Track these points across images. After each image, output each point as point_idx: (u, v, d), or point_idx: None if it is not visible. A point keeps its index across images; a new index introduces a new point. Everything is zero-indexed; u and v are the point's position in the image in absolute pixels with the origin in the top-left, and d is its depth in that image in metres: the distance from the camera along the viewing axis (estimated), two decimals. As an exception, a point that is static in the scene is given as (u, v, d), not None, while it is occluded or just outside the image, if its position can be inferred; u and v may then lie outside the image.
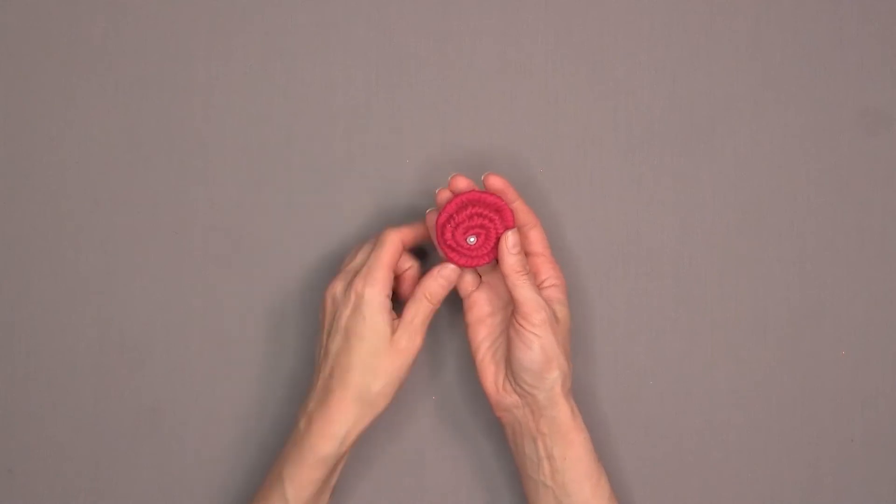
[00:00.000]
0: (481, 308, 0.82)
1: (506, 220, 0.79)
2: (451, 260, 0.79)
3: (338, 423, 0.78)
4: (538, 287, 0.80)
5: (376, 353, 0.77)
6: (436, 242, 0.79)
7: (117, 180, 0.88)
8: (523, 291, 0.77)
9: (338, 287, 0.79)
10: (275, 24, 0.88)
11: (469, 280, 0.82)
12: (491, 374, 0.81)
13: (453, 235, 0.78)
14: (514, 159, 0.87)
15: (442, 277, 0.79)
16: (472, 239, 0.79)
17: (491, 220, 0.79)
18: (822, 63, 0.88)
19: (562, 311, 0.80)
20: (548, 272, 0.81)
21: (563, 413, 0.78)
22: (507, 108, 0.87)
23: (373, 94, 0.87)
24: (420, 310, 0.78)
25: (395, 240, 0.78)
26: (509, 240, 0.78)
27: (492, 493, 0.87)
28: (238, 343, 0.87)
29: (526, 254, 0.81)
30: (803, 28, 0.88)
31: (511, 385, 0.79)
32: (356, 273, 0.78)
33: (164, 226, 0.87)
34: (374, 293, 0.77)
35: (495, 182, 0.80)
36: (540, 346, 0.77)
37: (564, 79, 0.88)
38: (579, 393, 0.87)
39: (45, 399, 0.87)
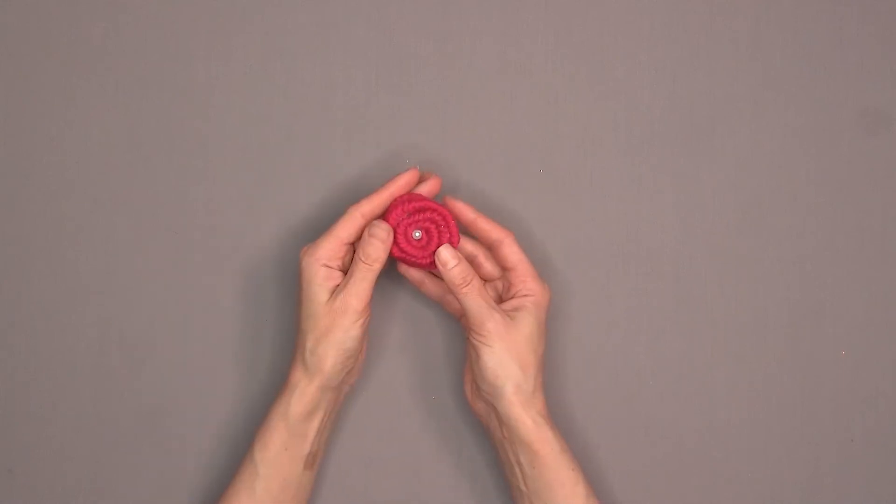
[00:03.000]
0: None
1: (451, 233, 0.80)
2: (393, 252, 0.81)
3: (290, 383, 0.80)
4: (506, 297, 0.82)
5: (312, 316, 0.79)
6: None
7: (117, 180, 0.88)
8: (467, 303, 0.79)
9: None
10: (275, 24, 0.88)
11: (457, 306, 0.84)
12: (469, 381, 0.83)
13: (405, 235, 0.80)
14: (514, 159, 0.87)
15: (372, 237, 0.79)
16: (417, 234, 0.81)
17: (437, 227, 0.80)
18: (822, 63, 0.88)
19: (526, 321, 0.79)
20: (519, 285, 0.81)
21: (521, 424, 0.79)
22: (507, 108, 0.87)
23: (373, 94, 0.87)
24: (355, 271, 0.79)
25: (352, 214, 0.80)
26: (440, 257, 0.80)
27: (490, 493, 0.87)
28: (238, 343, 0.87)
29: (501, 269, 0.82)
30: (803, 28, 0.88)
31: (478, 393, 0.81)
32: None
33: (164, 226, 0.87)
34: (310, 261, 0.79)
35: (453, 204, 0.82)
36: (488, 355, 0.78)
37: (564, 79, 0.88)
38: (578, 393, 0.87)
39: (45, 399, 0.87)
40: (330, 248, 0.79)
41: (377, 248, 0.79)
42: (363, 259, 0.79)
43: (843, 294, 0.87)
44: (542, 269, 0.86)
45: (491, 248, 0.82)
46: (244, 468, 0.81)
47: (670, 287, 0.87)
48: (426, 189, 0.82)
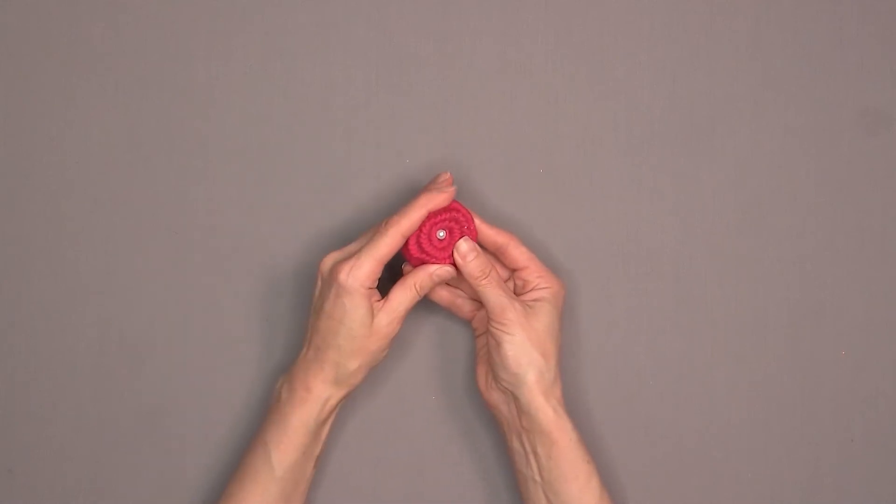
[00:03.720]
0: (486, 323, 0.83)
1: (471, 231, 0.80)
2: (413, 262, 0.81)
3: (315, 393, 0.80)
4: (522, 293, 0.82)
5: (355, 337, 0.78)
6: (406, 249, 0.80)
7: (117, 180, 0.88)
8: (487, 295, 0.79)
9: (327, 264, 0.80)
10: (275, 24, 0.88)
11: (468, 309, 0.85)
12: (483, 373, 0.84)
13: (429, 237, 0.80)
14: (514, 159, 0.87)
15: (436, 276, 0.80)
16: (441, 234, 0.80)
17: (460, 227, 0.80)
18: (822, 63, 0.88)
19: (545, 310, 0.80)
20: (535, 280, 0.82)
21: (542, 412, 0.79)
22: (507, 108, 0.87)
23: (373, 94, 0.87)
24: (406, 298, 0.80)
25: (392, 234, 0.78)
26: (461, 249, 0.80)
27: (491, 493, 0.87)
28: (238, 343, 0.87)
29: (512, 270, 0.83)
30: (803, 28, 0.88)
31: (495, 383, 0.81)
32: (350, 255, 0.78)
33: (164, 226, 0.87)
34: (356, 286, 0.77)
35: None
36: (509, 343, 0.79)
37: (564, 79, 0.88)
38: (579, 393, 0.87)
39: (45, 399, 0.87)
40: (373, 272, 0.78)
41: (434, 285, 0.80)
42: (418, 290, 0.80)
43: (843, 294, 0.87)
44: (542, 269, 0.86)
45: (497, 253, 0.82)
46: (258, 472, 0.80)
47: (670, 287, 0.87)
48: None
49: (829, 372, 0.87)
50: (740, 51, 0.88)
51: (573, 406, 0.87)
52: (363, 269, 0.77)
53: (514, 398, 0.80)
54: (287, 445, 0.80)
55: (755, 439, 0.87)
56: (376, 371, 0.87)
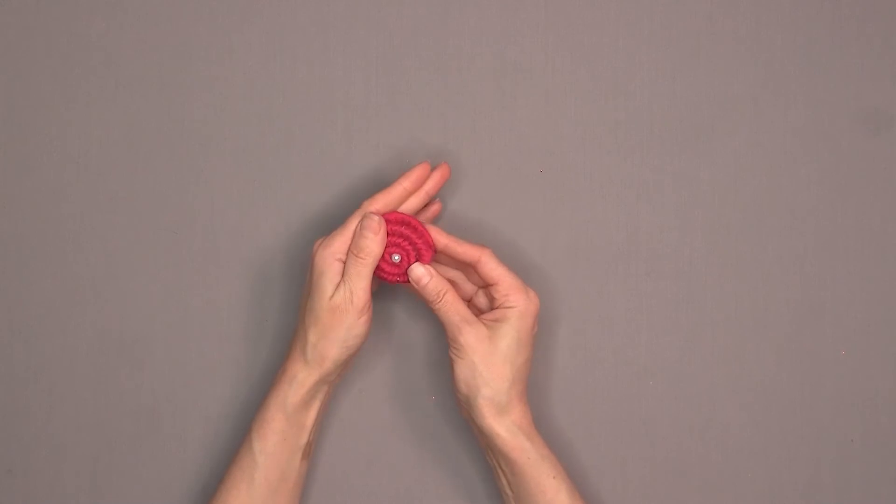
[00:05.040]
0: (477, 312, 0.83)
1: (426, 241, 0.80)
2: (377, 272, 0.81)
3: (288, 373, 0.80)
4: (491, 307, 0.81)
5: (314, 311, 0.79)
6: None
7: (117, 180, 0.88)
8: (441, 317, 0.79)
9: (314, 247, 0.81)
10: (275, 24, 0.88)
11: (465, 292, 0.83)
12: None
13: (386, 259, 0.80)
14: (513, 159, 0.87)
15: (364, 229, 0.79)
16: (396, 257, 0.80)
17: (410, 242, 0.80)
18: (822, 63, 0.88)
19: (505, 333, 0.79)
20: (500, 299, 0.80)
21: (495, 434, 0.79)
22: (507, 108, 0.87)
23: (373, 94, 0.87)
24: (350, 268, 0.79)
25: (365, 209, 0.80)
26: (413, 275, 0.80)
27: (491, 493, 0.87)
28: (238, 344, 0.87)
29: (485, 285, 0.81)
30: (803, 28, 0.88)
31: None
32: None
33: (164, 225, 0.87)
34: (325, 254, 0.79)
35: (435, 213, 0.83)
36: (459, 367, 0.79)
37: (564, 79, 0.88)
38: (578, 393, 0.87)
39: (45, 399, 0.87)
40: (344, 243, 0.79)
41: (369, 241, 0.78)
42: (355, 253, 0.79)
43: (843, 294, 0.87)
44: (542, 269, 0.86)
45: (469, 269, 0.81)
46: (242, 459, 0.80)
47: (670, 287, 0.87)
48: (436, 179, 0.83)
49: (829, 372, 0.87)
50: (740, 51, 0.88)
51: (572, 407, 0.87)
52: (334, 240, 0.79)
53: (470, 417, 0.80)
54: (265, 430, 0.80)
55: (755, 439, 0.87)
56: (376, 371, 0.87)
